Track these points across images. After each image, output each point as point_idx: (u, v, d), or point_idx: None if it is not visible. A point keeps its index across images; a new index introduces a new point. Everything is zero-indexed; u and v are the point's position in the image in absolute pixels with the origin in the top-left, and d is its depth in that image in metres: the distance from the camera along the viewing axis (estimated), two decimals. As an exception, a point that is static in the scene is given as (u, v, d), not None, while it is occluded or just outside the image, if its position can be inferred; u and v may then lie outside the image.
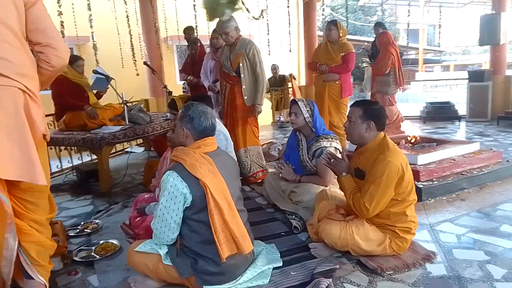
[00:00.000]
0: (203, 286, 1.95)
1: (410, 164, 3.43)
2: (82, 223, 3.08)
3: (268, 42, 8.56)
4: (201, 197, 1.87)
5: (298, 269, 2.19)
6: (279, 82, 8.89)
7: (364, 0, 17.64)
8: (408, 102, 9.41)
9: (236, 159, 3.36)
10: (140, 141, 5.92)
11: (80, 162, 5.10)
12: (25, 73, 1.57)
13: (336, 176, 2.43)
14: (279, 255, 2.30)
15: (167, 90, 5.10)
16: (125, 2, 5.13)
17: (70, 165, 4.92)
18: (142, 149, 6.25)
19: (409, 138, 4.16)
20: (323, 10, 6.01)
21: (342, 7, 26.01)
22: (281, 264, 2.21)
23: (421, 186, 3.28)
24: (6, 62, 1.50)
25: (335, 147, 2.94)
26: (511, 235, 2.55)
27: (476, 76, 7.16)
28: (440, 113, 7.41)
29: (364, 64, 16.48)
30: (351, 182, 2.31)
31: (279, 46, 8.59)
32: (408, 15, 11.49)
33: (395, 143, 4.06)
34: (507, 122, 6.61)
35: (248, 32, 8.57)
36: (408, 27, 10.93)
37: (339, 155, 2.88)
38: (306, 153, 3.02)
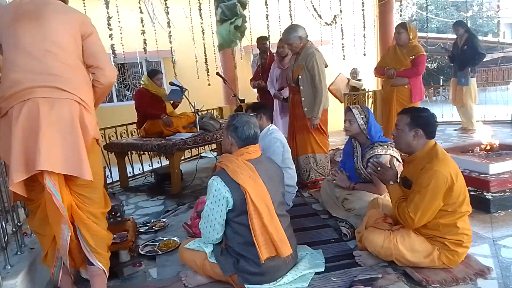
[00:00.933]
0: (245, 285, 2.09)
1: (481, 173, 3.29)
2: (152, 221, 3.43)
3: (343, 46, 8.49)
4: (242, 201, 2.02)
5: (340, 275, 2.22)
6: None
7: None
8: (498, 104, 8.55)
9: (291, 166, 3.47)
10: (214, 146, 6.28)
11: (159, 166, 5.61)
12: (80, 88, 1.91)
13: None
14: (324, 261, 2.35)
15: (237, 98, 5.37)
16: (201, 17, 5.50)
17: (150, 168, 5.44)
18: (215, 154, 6.63)
19: (483, 145, 3.86)
20: (400, 11, 5.78)
21: (432, 3, 24.56)
22: (323, 270, 2.26)
23: (490, 197, 3.05)
24: (64, 79, 1.85)
25: (391, 155, 2.88)
26: None
27: None
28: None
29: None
30: (398, 191, 2.28)
31: (353, 50, 8.43)
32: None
33: (470, 149, 3.88)
34: None
35: (320, 38, 8.57)
36: None
37: (396, 163, 2.83)
38: (360, 161, 3.00)
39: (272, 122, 3.60)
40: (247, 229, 2.04)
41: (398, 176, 2.39)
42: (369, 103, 8.44)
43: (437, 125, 2.28)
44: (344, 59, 8.34)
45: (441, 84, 11.31)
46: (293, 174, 3.56)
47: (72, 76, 1.89)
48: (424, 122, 2.20)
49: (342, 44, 8.28)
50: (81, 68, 1.97)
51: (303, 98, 3.82)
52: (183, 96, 4.90)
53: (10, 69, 1.84)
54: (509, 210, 3.02)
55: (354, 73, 8.61)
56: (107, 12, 3.95)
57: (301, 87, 3.80)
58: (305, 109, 3.84)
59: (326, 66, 3.89)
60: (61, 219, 1.82)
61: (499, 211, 3.02)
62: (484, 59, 6.40)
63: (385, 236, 2.21)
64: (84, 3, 5.20)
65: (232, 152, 2.18)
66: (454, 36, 6.37)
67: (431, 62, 23.89)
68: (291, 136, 4.09)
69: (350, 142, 3.16)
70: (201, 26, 5.79)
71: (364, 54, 8.17)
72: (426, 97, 14.72)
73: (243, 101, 5.75)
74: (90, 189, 1.94)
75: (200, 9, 5.34)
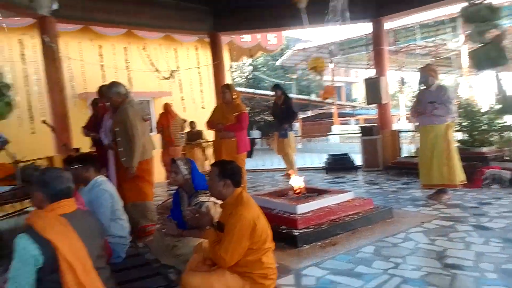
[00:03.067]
0: None
1: (291, 213, 3.84)
2: None
3: (182, 99, 8.95)
4: (53, 258, 1.95)
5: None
6: (195, 137, 9.15)
7: (281, 61, 19.06)
8: (317, 153, 10.23)
9: (122, 217, 3.46)
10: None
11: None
12: None
13: None
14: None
15: (67, 148, 5.11)
16: (24, 63, 5.16)
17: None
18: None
19: (295, 189, 4.55)
20: (231, 73, 6.51)
21: (264, 65, 27.95)
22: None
23: (297, 233, 3.60)
24: None
25: (214, 201, 3.16)
26: (361, 275, 2.91)
27: (366, 131, 8.06)
28: (339, 164, 8.13)
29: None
30: (213, 235, 2.53)
31: (192, 103, 8.97)
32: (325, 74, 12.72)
33: (285, 193, 4.50)
34: (395, 171, 7.42)
35: (160, 90, 8.88)
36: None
37: (219, 209, 3.12)
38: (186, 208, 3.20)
39: (100, 173, 3.55)
40: (60, 287, 1.97)
41: (215, 221, 2.66)
42: (210, 152, 8.96)
43: (241, 175, 2.65)
44: (184, 111, 8.78)
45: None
46: (125, 224, 3.53)
47: None
48: (231, 173, 2.54)
49: (181, 97, 8.75)
50: None
51: (120, 149, 4.04)
52: (2, 148, 4.42)
53: None
54: (312, 244, 3.61)
55: (192, 123, 9.06)
56: None
57: (118, 139, 4.03)
58: (123, 159, 4.03)
59: (145, 119, 4.23)
60: None
61: (305, 245, 3.57)
62: (308, 115, 7.75)
63: (202, 277, 2.40)
64: None
65: (43, 207, 2.11)
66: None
67: (268, 115, 26.73)
68: (119, 185, 4.12)
69: (178, 192, 3.36)
70: (24, 71, 5.42)
71: (203, 107, 8.77)
72: (267, 145, 16.42)
73: (77, 150, 5.48)
74: None
75: (23, 54, 5.04)
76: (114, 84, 4.05)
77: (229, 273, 2.46)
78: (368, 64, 14.09)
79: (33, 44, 5.93)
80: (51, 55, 6.00)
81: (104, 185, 3.41)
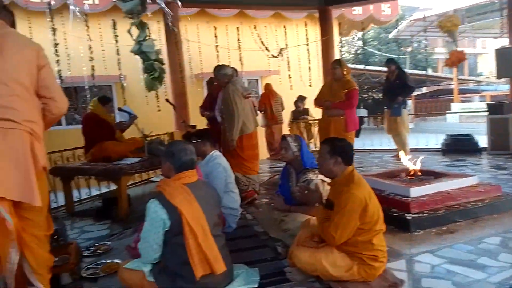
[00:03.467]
0: (181, 302, 2.23)
1: (403, 196, 3.65)
2: (96, 244, 3.47)
3: (290, 77, 9.00)
4: (178, 222, 2.18)
5: (271, 290, 2.42)
6: (300, 114, 9.18)
7: (395, 33, 17.78)
8: (433, 133, 9.39)
9: (234, 190, 3.68)
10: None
11: (107, 190, 5.60)
12: (31, 119, 2.02)
13: None
14: (258, 278, 2.53)
15: (185, 125, 5.56)
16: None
17: (98, 192, 5.43)
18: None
19: (408, 171, 4.29)
20: (341, 47, 6.32)
21: (375, 39, 26.40)
22: (256, 286, 2.44)
23: (410, 217, 3.40)
24: (18, 112, 1.96)
25: (322, 179, 3.17)
26: (485, 267, 2.64)
27: (495, 108, 7.12)
28: (459, 145, 7.36)
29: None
30: (322, 212, 2.54)
31: (299, 81, 8.95)
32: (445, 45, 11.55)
33: (396, 175, 4.28)
34: (529, 155, 6.48)
35: (269, 69, 9.04)
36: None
37: (326, 187, 3.12)
38: (295, 184, 3.27)
39: (216, 148, 3.80)
40: (183, 249, 2.19)
41: (324, 198, 2.67)
42: (315, 130, 8.92)
43: (353, 153, 2.59)
44: (291, 89, 8.84)
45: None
46: (236, 197, 3.77)
47: (25, 108, 2.00)
48: (342, 151, 2.50)
49: (289, 75, 8.79)
50: (34, 100, 2.08)
51: (226, 125, 4.40)
52: (132, 122, 5.01)
53: None
54: (427, 229, 3.38)
55: (300, 99, 9.06)
56: (54, 39, 4.05)
57: (224, 116, 4.44)
58: (227, 134, 4.39)
59: (245, 97, 4.51)
60: (9, 242, 1.89)
61: (418, 230, 3.37)
62: (425, 91, 7.12)
63: (310, 253, 2.45)
64: (30, 28, 5.24)
65: (170, 177, 2.35)
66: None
67: (377, 93, 25.43)
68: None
69: (286, 168, 3.43)
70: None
71: (310, 85, 8.70)
72: (374, 125, 15.72)
73: (194, 127, 5.94)
74: (35, 213, 2.01)
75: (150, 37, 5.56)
76: (221, 66, 4.50)
77: (337, 252, 2.46)
78: (500, 32, 12.30)
79: (158, 28, 6.51)
80: (173, 38, 6.54)
81: (219, 159, 3.66)
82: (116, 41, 4.96)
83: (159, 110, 6.19)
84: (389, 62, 6.75)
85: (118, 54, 5.19)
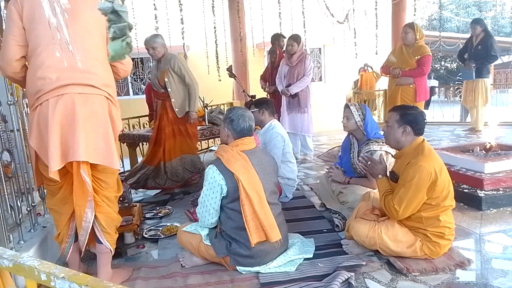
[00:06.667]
0: (236, 267, 2.25)
1: (476, 172, 3.36)
2: (158, 208, 3.62)
3: (355, 45, 8.54)
4: (235, 189, 2.18)
5: (326, 262, 2.36)
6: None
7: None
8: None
9: (292, 160, 3.61)
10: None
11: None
12: (108, 84, 2.07)
13: None
14: (313, 248, 2.49)
15: (246, 94, 5.54)
16: (214, 14, 5.66)
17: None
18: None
19: (483, 145, 3.91)
20: (414, 10, 5.80)
21: (452, 3, 24.13)
22: (311, 256, 2.40)
23: (483, 195, 3.12)
24: (96, 76, 2.00)
25: (386, 151, 2.99)
26: None
27: None
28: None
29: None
30: (385, 185, 2.39)
31: (366, 49, 8.48)
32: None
33: (470, 149, 3.94)
34: None
35: (333, 37, 8.65)
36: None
37: (390, 159, 2.94)
38: (356, 156, 3.11)
39: (274, 118, 3.74)
40: (239, 215, 2.20)
41: (388, 170, 2.51)
42: (379, 101, 8.50)
43: (425, 123, 2.38)
44: (356, 57, 8.42)
45: (455, 85, 11.19)
46: (294, 168, 3.71)
47: (102, 73, 2.04)
48: (412, 120, 2.30)
49: (355, 42, 8.34)
50: (107, 63, 2.11)
51: (172, 100, 3.95)
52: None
53: (48, 65, 1.92)
54: (501, 208, 3.10)
55: (366, 67, 8.63)
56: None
57: (169, 89, 3.91)
58: (176, 110, 3.97)
59: None
60: (87, 203, 1.99)
61: (491, 209, 3.09)
62: (504, 61, 6.35)
63: (370, 226, 2.33)
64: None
65: (228, 143, 2.34)
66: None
67: (450, 62, 23.54)
68: (161, 142, 4.17)
69: (348, 138, 3.28)
70: (214, 23, 5.96)
71: (376, 53, 8.21)
72: (446, 97, 14.60)
73: (253, 96, 5.90)
74: (108, 174, 2.09)
75: (213, 6, 5.51)
76: (160, 35, 4.13)
77: (398, 226, 2.33)
78: None
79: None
80: (235, 5, 6.45)
81: (277, 128, 3.59)
82: (181, 10, 4.97)
83: (219, 80, 6.22)
84: (475, 22, 6.03)
85: (182, 23, 5.21)
